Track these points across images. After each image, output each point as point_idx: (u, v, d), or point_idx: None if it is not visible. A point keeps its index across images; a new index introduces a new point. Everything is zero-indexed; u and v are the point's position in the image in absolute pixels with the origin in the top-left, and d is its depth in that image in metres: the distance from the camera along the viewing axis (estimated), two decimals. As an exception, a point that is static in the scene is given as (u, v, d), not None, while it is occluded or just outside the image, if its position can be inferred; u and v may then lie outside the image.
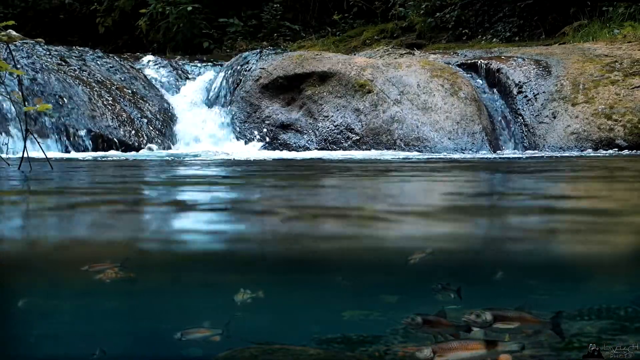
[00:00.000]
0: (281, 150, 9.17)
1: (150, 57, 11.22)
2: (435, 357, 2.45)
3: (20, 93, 5.32)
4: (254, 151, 9.14)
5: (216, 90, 10.36)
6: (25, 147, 5.01)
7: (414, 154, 8.40)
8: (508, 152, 8.87)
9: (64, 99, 9.01)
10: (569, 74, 9.42)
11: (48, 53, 9.83)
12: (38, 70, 9.26)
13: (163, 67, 10.90)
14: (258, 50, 11.17)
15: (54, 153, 8.32)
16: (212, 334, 2.86)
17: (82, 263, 2.86)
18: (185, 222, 3.04)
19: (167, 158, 7.79)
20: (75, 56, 10.16)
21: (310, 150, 9.06)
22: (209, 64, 11.30)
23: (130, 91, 9.79)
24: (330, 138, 9.21)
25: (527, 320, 2.71)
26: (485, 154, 8.54)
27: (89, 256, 2.86)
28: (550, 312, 2.80)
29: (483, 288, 3.19)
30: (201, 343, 2.99)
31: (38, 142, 5.08)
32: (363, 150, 8.92)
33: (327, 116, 9.35)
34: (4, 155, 5.94)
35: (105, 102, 9.23)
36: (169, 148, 9.25)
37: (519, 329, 2.72)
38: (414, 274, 3.02)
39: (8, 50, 6.04)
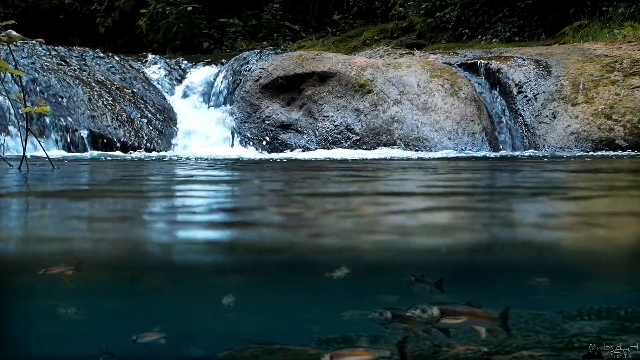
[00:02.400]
0: (281, 150, 9.18)
1: (152, 57, 11.23)
2: None
3: (20, 93, 5.32)
4: (254, 151, 9.14)
5: (216, 90, 10.36)
6: (25, 147, 5.02)
7: (413, 154, 8.40)
8: (508, 152, 8.87)
9: (64, 99, 9.01)
10: (569, 74, 9.42)
11: (48, 53, 9.83)
12: (38, 70, 9.26)
13: (163, 67, 10.91)
14: (258, 50, 11.17)
15: (54, 153, 8.32)
16: (160, 337, 2.96)
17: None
18: (183, 221, 3.04)
19: (165, 158, 7.79)
20: (75, 56, 10.16)
21: (310, 150, 9.07)
22: (209, 64, 11.30)
23: (130, 91, 9.79)
24: (330, 138, 9.21)
25: (477, 316, 2.66)
26: (486, 154, 8.54)
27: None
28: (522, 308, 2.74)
29: (483, 288, 3.18)
30: (201, 344, 3.04)
31: (39, 142, 5.09)
32: (363, 150, 8.92)
33: (327, 116, 9.35)
34: (4, 155, 5.94)
35: (105, 102, 9.24)
36: (169, 148, 9.25)
37: (468, 325, 2.66)
38: (413, 274, 3.02)
39: (8, 50, 6.04)
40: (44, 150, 5.20)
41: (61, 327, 3.20)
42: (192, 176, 5.27)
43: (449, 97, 9.21)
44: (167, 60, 11.28)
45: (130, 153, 8.64)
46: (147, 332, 2.98)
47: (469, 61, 10.29)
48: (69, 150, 8.60)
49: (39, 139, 5.25)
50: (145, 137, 9.15)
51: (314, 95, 9.54)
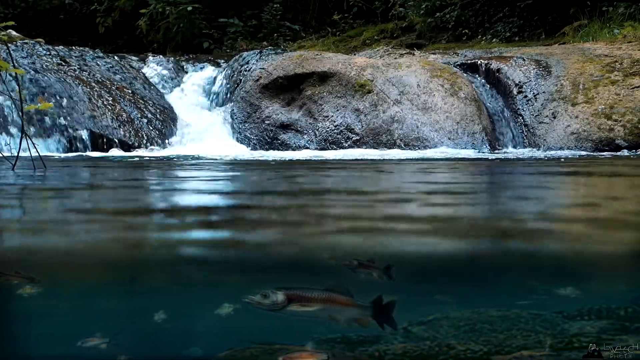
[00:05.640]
0: (281, 150, 9.17)
1: (152, 57, 11.23)
2: None
3: (19, 92, 5.34)
4: (254, 151, 9.14)
5: (216, 90, 10.37)
6: (20, 147, 5.03)
7: (414, 154, 8.40)
8: (508, 152, 8.87)
9: (64, 99, 9.01)
10: (569, 74, 9.42)
11: (48, 53, 9.83)
12: (38, 70, 9.26)
13: (164, 67, 10.91)
14: (258, 50, 11.17)
15: (54, 153, 8.33)
16: (102, 341, 3.07)
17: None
18: (181, 221, 3.04)
19: (165, 158, 7.79)
20: (75, 56, 10.16)
21: (310, 150, 9.07)
22: (209, 63, 11.30)
23: (130, 91, 9.79)
24: (330, 138, 9.21)
25: (337, 302, 2.35)
26: (485, 153, 8.54)
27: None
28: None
29: (483, 288, 3.18)
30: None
31: (33, 143, 5.10)
32: (363, 150, 8.92)
33: (327, 116, 9.35)
34: (4, 155, 5.96)
35: (105, 102, 9.24)
36: (169, 148, 9.25)
37: (325, 312, 2.34)
38: (412, 274, 3.02)
39: (7, 51, 6.06)
40: (36, 150, 5.22)
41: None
42: (191, 177, 5.27)
43: (449, 97, 9.20)
44: (167, 60, 11.28)
45: (130, 152, 8.64)
46: (90, 336, 3.10)
47: (469, 61, 10.29)
48: (69, 151, 8.60)
49: (32, 140, 5.26)
50: (145, 137, 9.16)
51: (314, 95, 9.54)
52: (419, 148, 8.80)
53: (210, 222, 3.04)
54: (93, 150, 8.70)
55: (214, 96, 10.32)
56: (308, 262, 2.79)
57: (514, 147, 9.16)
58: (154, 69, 10.85)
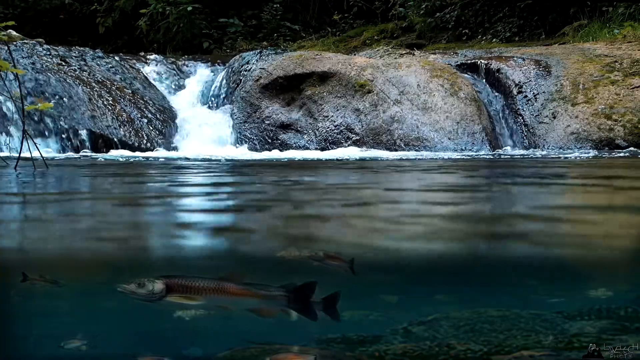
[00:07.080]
0: (281, 150, 9.17)
1: (152, 57, 11.22)
2: None
3: (19, 92, 5.34)
4: (254, 151, 9.13)
5: (216, 90, 10.36)
6: (21, 147, 5.03)
7: (414, 154, 8.40)
8: (508, 152, 8.87)
9: (64, 99, 9.01)
10: (568, 74, 9.42)
11: (48, 53, 9.83)
12: (38, 70, 9.26)
13: (164, 67, 10.90)
14: (258, 50, 11.17)
15: (54, 153, 8.33)
16: (81, 344, 3.10)
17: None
18: (182, 221, 3.04)
19: (165, 159, 7.79)
20: (75, 56, 10.16)
21: (310, 150, 9.06)
22: (209, 64, 11.30)
23: (130, 91, 9.79)
24: (330, 138, 9.21)
25: (230, 293, 2.16)
26: (485, 154, 8.54)
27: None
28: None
29: (483, 288, 3.18)
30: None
31: (34, 143, 5.10)
32: (363, 150, 8.92)
33: (327, 116, 9.34)
34: (4, 155, 5.96)
35: (105, 102, 9.23)
36: (169, 148, 9.24)
37: (213, 303, 2.14)
38: (412, 274, 3.02)
39: (8, 51, 6.06)
40: (38, 150, 5.23)
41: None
42: (189, 177, 5.27)
43: (448, 97, 9.20)
44: (167, 60, 11.28)
45: (130, 152, 8.64)
46: (71, 339, 3.12)
47: (469, 61, 10.29)
48: (69, 151, 8.60)
49: (34, 140, 5.26)
50: (145, 137, 9.15)
51: (314, 95, 9.53)
52: (419, 148, 8.80)
53: (194, 226, 3.05)
54: (93, 150, 8.69)
55: (214, 96, 10.32)
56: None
57: (514, 147, 9.16)
58: (154, 69, 10.85)
